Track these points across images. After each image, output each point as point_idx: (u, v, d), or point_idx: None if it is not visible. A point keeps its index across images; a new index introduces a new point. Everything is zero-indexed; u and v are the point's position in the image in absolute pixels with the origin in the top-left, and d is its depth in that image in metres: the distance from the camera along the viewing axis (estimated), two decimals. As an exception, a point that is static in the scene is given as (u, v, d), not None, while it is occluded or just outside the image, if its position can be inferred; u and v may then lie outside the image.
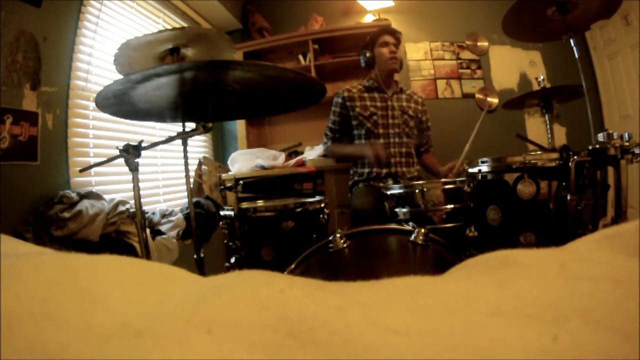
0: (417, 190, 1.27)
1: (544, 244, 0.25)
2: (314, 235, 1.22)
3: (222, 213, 1.25)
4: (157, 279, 0.23)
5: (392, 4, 3.00)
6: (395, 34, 1.91)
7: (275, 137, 3.11)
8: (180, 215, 2.08)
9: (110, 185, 1.88)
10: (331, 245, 0.84)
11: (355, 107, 1.89)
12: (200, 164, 2.67)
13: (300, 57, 2.91)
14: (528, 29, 1.55)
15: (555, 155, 1.05)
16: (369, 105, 1.89)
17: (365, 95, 1.91)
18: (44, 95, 1.57)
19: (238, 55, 2.76)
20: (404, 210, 1.30)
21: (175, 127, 2.25)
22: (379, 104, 1.90)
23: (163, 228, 1.95)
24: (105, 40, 1.93)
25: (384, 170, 1.85)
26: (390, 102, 1.90)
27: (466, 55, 3.04)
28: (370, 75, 1.97)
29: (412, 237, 0.83)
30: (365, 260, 0.84)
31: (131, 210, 1.02)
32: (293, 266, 0.86)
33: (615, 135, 0.98)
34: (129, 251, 1.56)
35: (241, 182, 1.23)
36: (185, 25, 2.63)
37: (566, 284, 0.19)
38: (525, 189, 1.05)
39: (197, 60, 1.45)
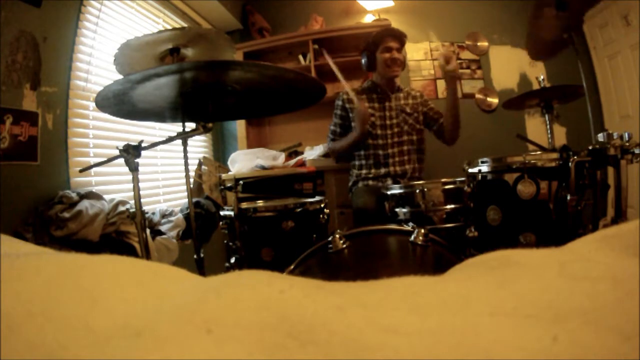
0: (417, 191, 1.27)
1: (544, 244, 0.25)
2: (314, 236, 1.22)
3: (222, 213, 1.25)
4: (157, 279, 0.23)
5: (392, 4, 3.00)
6: (401, 37, 1.85)
7: (275, 137, 3.11)
8: (180, 215, 2.08)
9: (110, 185, 1.88)
10: (331, 245, 0.83)
11: (353, 108, 1.89)
12: (200, 164, 2.67)
13: (300, 57, 2.91)
14: (548, 45, 1.56)
15: (555, 155, 1.05)
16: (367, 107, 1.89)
17: (364, 97, 1.91)
18: (44, 95, 1.57)
19: (238, 55, 2.76)
20: (404, 210, 1.30)
21: (175, 127, 2.24)
22: (376, 105, 1.90)
23: (163, 228, 1.95)
24: (105, 40, 1.93)
25: (383, 170, 1.85)
26: (388, 102, 1.90)
27: (466, 55, 3.04)
28: (370, 77, 1.96)
29: (412, 238, 0.83)
30: (365, 261, 0.84)
31: (131, 210, 1.02)
32: (293, 266, 0.86)
33: (615, 135, 0.98)
34: (129, 251, 1.56)
35: (241, 182, 1.23)
36: (185, 25, 2.63)
37: (566, 284, 0.19)
38: (525, 189, 1.05)
39: (197, 60, 1.45)
